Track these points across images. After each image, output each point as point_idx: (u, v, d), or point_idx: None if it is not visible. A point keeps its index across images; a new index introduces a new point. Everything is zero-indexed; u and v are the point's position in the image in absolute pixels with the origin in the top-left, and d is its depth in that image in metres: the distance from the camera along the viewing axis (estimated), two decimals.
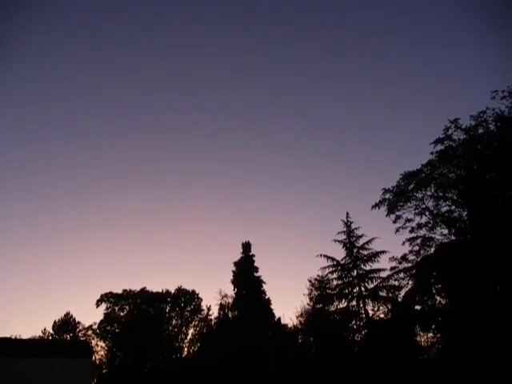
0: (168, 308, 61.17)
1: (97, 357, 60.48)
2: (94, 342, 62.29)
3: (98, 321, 64.16)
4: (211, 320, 57.77)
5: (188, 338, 58.97)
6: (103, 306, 63.31)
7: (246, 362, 44.48)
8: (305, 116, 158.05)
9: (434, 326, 36.23)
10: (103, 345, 61.61)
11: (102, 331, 61.81)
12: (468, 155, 34.62)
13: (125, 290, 63.67)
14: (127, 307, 62.36)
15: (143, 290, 63.06)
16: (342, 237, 42.15)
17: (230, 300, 52.45)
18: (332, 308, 41.87)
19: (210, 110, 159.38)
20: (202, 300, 61.64)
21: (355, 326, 40.63)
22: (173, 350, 57.67)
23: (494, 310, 29.85)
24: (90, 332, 66.52)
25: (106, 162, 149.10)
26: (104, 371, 58.89)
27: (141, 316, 58.89)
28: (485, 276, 30.51)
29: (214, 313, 56.30)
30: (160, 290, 62.74)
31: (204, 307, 60.87)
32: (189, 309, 60.65)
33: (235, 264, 53.42)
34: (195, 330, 59.14)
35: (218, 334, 51.01)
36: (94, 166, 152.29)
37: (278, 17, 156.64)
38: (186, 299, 61.31)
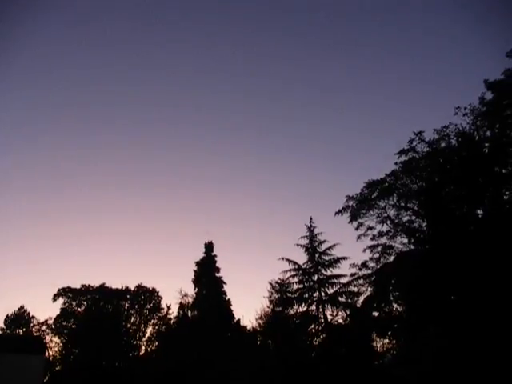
0: (127, 305, 60.40)
1: (50, 353, 59.02)
2: (48, 338, 60.77)
3: (54, 316, 62.73)
4: (170, 319, 57.37)
5: (146, 336, 58.36)
6: (60, 300, 61.99)
7: (203, 362, 44.36)
8: (273, 119, 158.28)
9: (390, 333, 37.12)
10: (58, 341, 60.24)
11: (57, 327, 60.41)
12: (430, 168, 35.58)
13: (83, 286, 62.49)
14: (85, 303, 61.21)
15: (102, 286, 62.03)
16: (305, 241, 42.60)
17: (191, 299, 52.23)
18: (291, 311, 42.31)
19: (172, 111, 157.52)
20: (161, 298, 61.26)
21: (314, 331, 41.11)
22: (130, 347, 57.00)
23: (447, 318, 30.79)
24: (44, 327, 64.82)
25: (64, 156, 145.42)
26: (57, 368, 57.55)
27: (99, 312, 57.93)
28: (440, 285, 31.41)
29: (174, 312, 55.98)
30: (120, 287, 61.91)
31: (164, 306, 60.46)
32: (148, 307, 60.05)
33: (197, 263, 53.24)
34: (154, 329, 58.60)
35: (177, 333, 50.69)
36: (53, 159, 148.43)
37: None
38: (145, 297, 60.68)
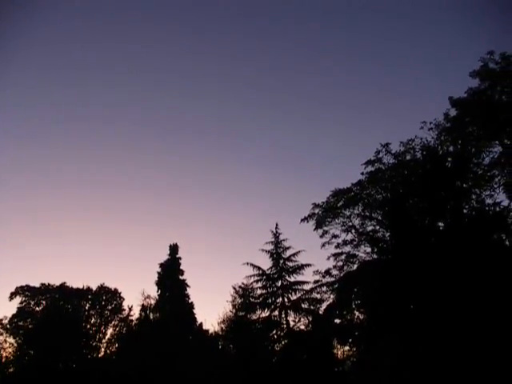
0: (88, 305, 59.11)
1: (4, 354, 57.09)
2: (1, 339, 58.58)
3: (9, 315, 60.67)
4: (132, 321, 56.53)
5: (106, 337, 57.29)
6: (17, 299, 60.04)
7: (164, 364, 44.01)
8: (241, 123, 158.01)
9: (350, 340, 37.64)
10: (13, 341, 58.29)
11: (12, 326, 58.50)
12: (395, 179, 36.31)
13: (43, 284, 60.76)
14: (44, 302, 59.54)
15: (63, 286, 60.43)
16: (270, 247, 42.88)
17: (153, 301, 51.67)
18: (254, 316, 42.45)
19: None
20: (123, 299, 60.14)
21: (276, 336, 41.37)
22: (89, 349, 55.84)
23: (406, 327, 31.46)
24: None
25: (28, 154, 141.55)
26: (11, 370, 55.68)
27: (58, 312, 56.49)
28: (400, 295, 32.09)
29: (136, 314, 55.17)
30: (81, 287, 60.54)
31: (126, 307, 59.45)
32: (109, 308, 58.82)
33: (161, 265, 52.78)
34: (114, 330, 57.54)
35: (138, 335, 50.06)
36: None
37: None
38: (107, 298, 59.43)
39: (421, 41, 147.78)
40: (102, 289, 60.39)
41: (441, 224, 34.83)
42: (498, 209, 32.58)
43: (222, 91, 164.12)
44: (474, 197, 33.54)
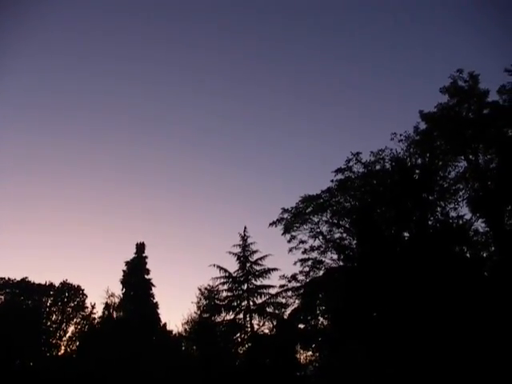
0: (50, 302, 57.82)
1: None
2: None
3: None
4: (94, 319, 55.50)
5: (67, 335, 56.19)
6: None
7: (126, 364, 43.48)
8: (211, 125, 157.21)
9: (314, 345, 38.02)
10: None
11: None
12: (364, 188, 36.92)
13: (2, 278, 59.07)
14: (3, 297, 57.93)
15: (24, 280, 58.82)
16: (237, 250, 42.91)
17: (117, 300, 50.87)
18: (219, 319, 42.48)
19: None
20: (87, 297, 58.89)
21: (240, 339, 41.49)
22: (49, 347, 54.64)
23: (368, 334, 32.01)
24: None
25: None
26: None
27: (16, 308, 55.01)
28: (364, 302, 32.62)
29: (99, 311, 54.23)
30: (43, 282, 59.12)
31: (88, 305, 58.37)
32: (72, 305, 57.57)
33: (127, 264, 51.97)
34: (76, 328, 56.46)
35: (100, 333, 49.30)
36: None
37: None
38: (70, 294, 58.23)
39: (396, 50, 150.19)
40: (65, 285, 59.01)
41: (406, 234, 35.60)
42: (461, 222, 33.53)
43: (188, 86, 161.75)
44: (438, 209, 34.41)
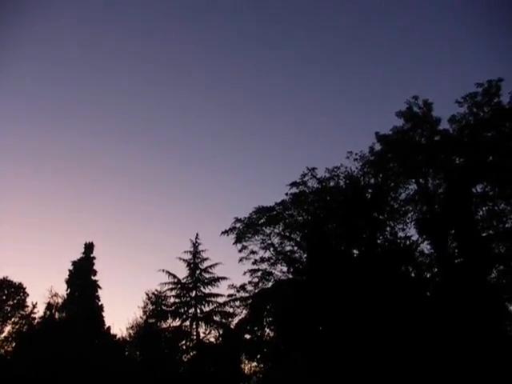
0: None
1: None
2: None
3: None
4: (34, 319, 53.67)
5: (2, 335, 54.02)
6: None
7: (65, 366, 42.25)
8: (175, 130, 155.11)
9: (259, 356, 38.18)
10: None
11: None
12: (317, 203, 37.49)
13: None
14: None
15: None
16: (188, 256, 42.75)
17: (61, 300, 49.41)
18: (165, 325, 42.11)
19: None
20: (28, 295, 56.95)
21: (185, 347, 41.19)
22: None
23: (313, 347, 32.52)
24: None
25: None
26: None
27: None
28: (310, 316, 33.10)
29: (40, 311, 52.43)
30: None
31: (29, 304, 56.32)
32: (11, 303, 55.60)
33: (73, 263, 50.50)
34: (13, 328, 54.43)
35: (40, 334, 47.69)
36: None
37: None
38: (9, 292, 56.14)
39: (360, 62, 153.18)
40: (5, 282, 56.80)
41: (356, 251, 36.41)
42: (408, 242, 34.56)
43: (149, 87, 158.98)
44: (388, 229, 35.37)
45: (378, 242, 35.64)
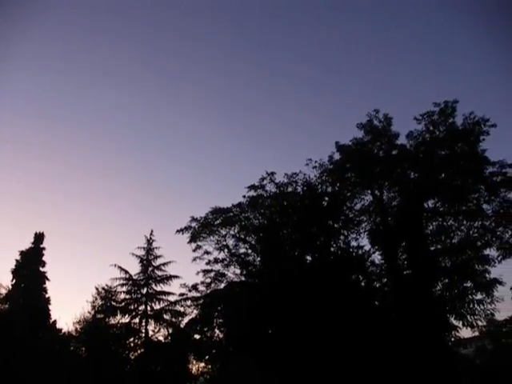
0: None
1: None
2: None
3: None
4: None
5: None
6: None
7: (6, 361, 40.93)
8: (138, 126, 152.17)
9: (207, 357, 38.27)
10: None
11: None
12: (274, 208, 37.77)
13: None
14: None
15: None
16: (141, 252, 42.53)
17: (4, 291, 47.78)
18: (113, 321, 41.77)
19: None
20: None
21: (133, 344, 40.84)
22: None
23: (262, 349, 32.79)
24: None
25: None
26: None
27: None
28: (260, 319, 33.39)
29: None
30: None
31: None
32: None
33: (21, 253, 48.96)
34: None
35: None
36: None
37: None
38: None
39: (325, 72, 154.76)
40: None
41: (309, 257, 36.93)
42: (360, 252, 35.30)
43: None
44: (341, 237, 35.95)
45: (332, 249, 36.20)
